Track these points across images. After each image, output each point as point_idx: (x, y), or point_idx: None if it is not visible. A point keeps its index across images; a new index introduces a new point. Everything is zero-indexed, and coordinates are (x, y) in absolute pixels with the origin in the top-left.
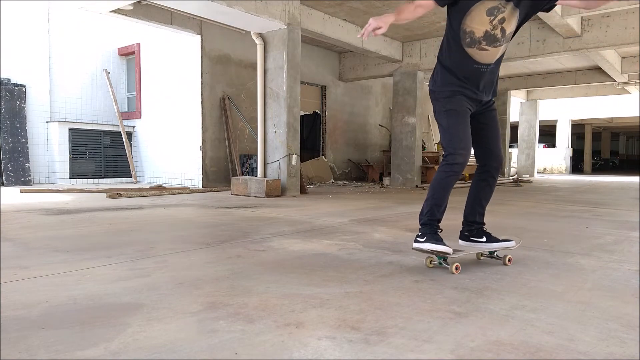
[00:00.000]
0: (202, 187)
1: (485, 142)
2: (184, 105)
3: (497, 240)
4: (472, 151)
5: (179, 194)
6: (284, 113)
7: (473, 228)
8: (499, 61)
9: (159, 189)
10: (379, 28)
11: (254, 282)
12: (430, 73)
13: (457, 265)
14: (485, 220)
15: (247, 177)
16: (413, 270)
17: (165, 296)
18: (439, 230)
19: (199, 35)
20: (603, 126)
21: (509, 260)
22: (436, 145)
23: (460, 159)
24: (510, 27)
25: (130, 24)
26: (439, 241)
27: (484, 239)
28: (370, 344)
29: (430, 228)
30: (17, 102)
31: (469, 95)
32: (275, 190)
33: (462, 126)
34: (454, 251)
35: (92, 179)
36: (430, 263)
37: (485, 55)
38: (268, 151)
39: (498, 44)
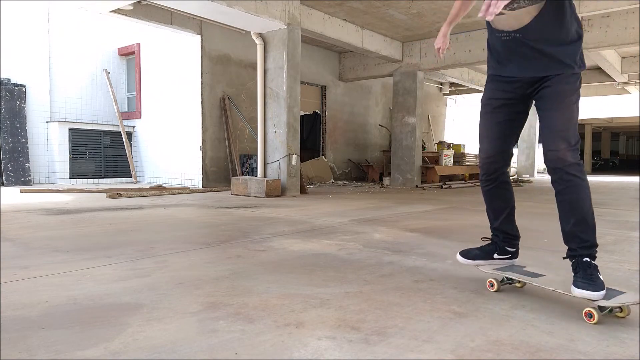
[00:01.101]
0: (202, 187)
1: (541, 136)
2: (184, 105)
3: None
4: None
5: (179, 194)
6: (284, 113)
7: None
8: (532, 29)
9: (159, 189)
10: (439, 47)
11: (254, 282)
12: (430, 73)
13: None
14: (485, 221)
15: (247, 177)
16: (413, 270)
17: (165, 296)
18: (501, 243)
19: (199, 35)
20: (603, 126)
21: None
22: (436, 145)
23: (480, 162)
24: None
25: (130, 24)
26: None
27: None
28: (370, 344)
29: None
30: (17, 102)
31: (502, 78)
32: (275, 190)
33: (482, 121)
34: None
35: (92, 179)
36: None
37: (504, 20)
38: (268, 151)
39: (515, 5)
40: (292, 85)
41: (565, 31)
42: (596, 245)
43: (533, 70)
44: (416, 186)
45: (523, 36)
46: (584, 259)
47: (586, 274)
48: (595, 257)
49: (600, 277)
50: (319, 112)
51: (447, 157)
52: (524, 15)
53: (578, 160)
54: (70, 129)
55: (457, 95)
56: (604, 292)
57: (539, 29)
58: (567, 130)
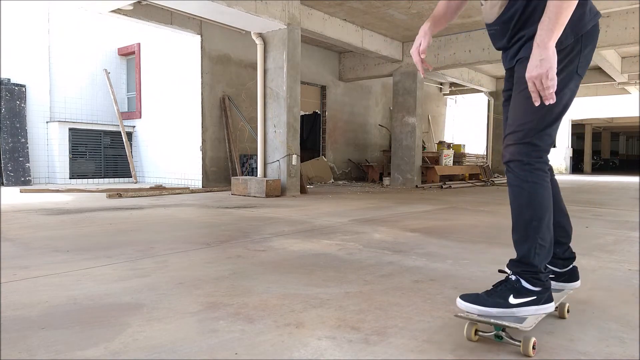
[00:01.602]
0: (202, 187)
1: None
2: (184, 105)
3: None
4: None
5: (179, 194)
6: (284, 113)
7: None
8: (504, 21)
9: (159, 189)
10: (419, 45)
11: (254, 282)
12: (430, 73)
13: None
14: (485, 221)
15: (247, 177)
16: (413, 270)
17: (165, 296)
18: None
19: (199, 35)
20: (603, 126)
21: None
22: (436, 145)
23: None
24: None
25: (130, 24)
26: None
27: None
28: (370, 344)
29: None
30: (17, 102)
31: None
32: (275, 190)
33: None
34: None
35: (92, 179)
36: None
37: (484, 12)
38: (268, 151)
39: None
40: (292, 85)
41: (541, 8)
42: (529, 265)
43: (510, 58)
44: (416, 186)
45: (500, 28)
46: (509, 277)
47: (491, 291)
48: (532, 280)
49: (512, 299)
50: (319, 112)
51: (447, 157)
52: (495, 6)
53: (523, 157)
54: (70, 129)
55: (457, 95)
56: (482, 308)
57: (511, 17)
58: (517, 123)
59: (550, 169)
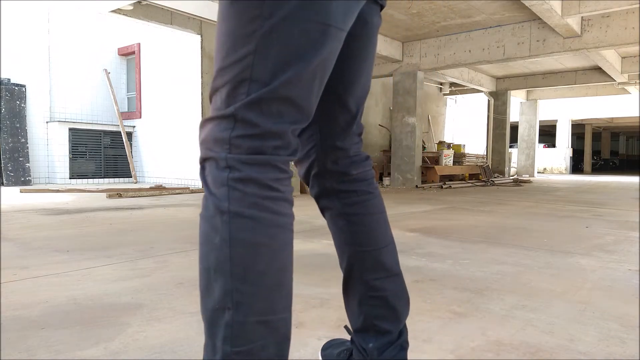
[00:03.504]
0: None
1: None
2: (184, 105)
3: None
4: None
5: (179, 194)
6: None
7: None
8: None
9: (159, 189)
10: None
11: None
12: (430, 73)
13: None
14: (485, 221)
15: None
16: (413, 270)
17: (165, 296)
18: None
19: (199, 35)
20: (603, 126)
21: None
22: (436, 145)
23: None
24: None
25: (130, 24)
26: None
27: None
28: None
29: None
30: (17, 102)
31: None
32: None
33: None
34: None
35: (92, 179)
36: None
37: None
38: None
39: None
40: None
41: None
42: None
43: None
44: (416, 186)
45: None
46: None
47: None
48: None
49: None
50: None
51: (447, 157)
52: None
53: (219, 152)
54: (70, 129)
55: (457, 95)
56: None
57: None
58: (217, 66)
59: (366, 178)
